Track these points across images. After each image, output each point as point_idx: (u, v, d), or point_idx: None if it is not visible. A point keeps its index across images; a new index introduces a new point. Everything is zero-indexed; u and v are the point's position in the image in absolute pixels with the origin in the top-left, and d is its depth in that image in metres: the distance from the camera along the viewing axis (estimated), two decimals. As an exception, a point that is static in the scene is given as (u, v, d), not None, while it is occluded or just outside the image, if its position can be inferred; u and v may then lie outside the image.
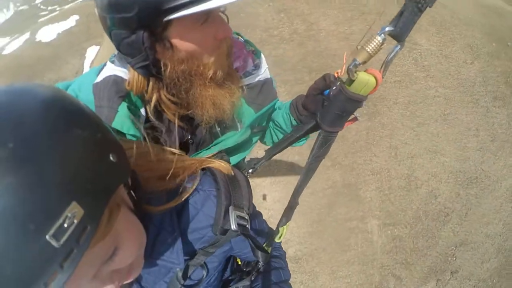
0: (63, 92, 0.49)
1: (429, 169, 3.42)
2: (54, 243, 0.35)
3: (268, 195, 3.31)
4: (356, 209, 3.30)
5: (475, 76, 3.85)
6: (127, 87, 0.96)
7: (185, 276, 0.80)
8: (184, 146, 1.05)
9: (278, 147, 1.01)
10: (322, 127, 0.79)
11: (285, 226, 1.01)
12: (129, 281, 0.62)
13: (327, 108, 0.78)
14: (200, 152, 1.12)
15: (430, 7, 0.58)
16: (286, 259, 1.17)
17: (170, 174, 0.75)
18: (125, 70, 0.98)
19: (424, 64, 3.90)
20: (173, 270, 0.83)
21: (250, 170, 1.10)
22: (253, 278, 1.03)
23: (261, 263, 1.01)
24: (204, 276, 0.85)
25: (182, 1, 0.73)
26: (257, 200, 3.39)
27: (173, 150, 0.83)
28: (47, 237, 0.34)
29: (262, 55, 1.19)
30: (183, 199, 0.76)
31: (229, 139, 1.10)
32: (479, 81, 3.83)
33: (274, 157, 1.13)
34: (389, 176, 3.37)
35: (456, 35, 4.19)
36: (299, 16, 4.63)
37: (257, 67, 1.12)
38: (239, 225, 0.79)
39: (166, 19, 0.75)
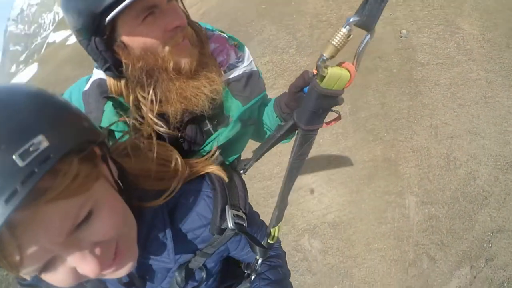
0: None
1: (469, 150, 3.28)
2: (19, 162, 0.40)
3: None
4: (394, 184, 3.23)
5: None
6: (109, 91, 1.00)
7: (187, 277, 0.79)
8: (176, 146, 0.99)
9: (263, 147, 0.99)
10: (299, 125, 0.78)
11: (276, 227, 1.00)
12: (120, 270, 0.61)
13: (303, 106, 0.76)
14: (193, 152, 1.08)
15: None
16: (286, 258, 1.12)
17: (161, 175, 0.77)
18: None
19: (466, 48, 3.81)
20: (170, 274, 0.82)
21: (241, 171, 1.07)
22: (252, 278, 1.01)
23: (259, 262, 0.98)
24: (204, 278, 0.84)
25: (110, 1, 0.76)
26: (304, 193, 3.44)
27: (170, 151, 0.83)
28: (13, 156, 0.40)
29: (246, 48, 1.17)
30: (171, 196, 0.75)
31: (221, 136, 1.07)
32: None
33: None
34: (428, 155, 3.30)
35: (500, 20, 4.04)
36: (346, 2, 4.61)
37: (240, 59, 1.10)
38: (236, 223, 0.79)
39: (106, 21, 0.79)
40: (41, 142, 0.43)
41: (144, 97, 0.96)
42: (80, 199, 0.49)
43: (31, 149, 0.42)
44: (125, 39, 0.86)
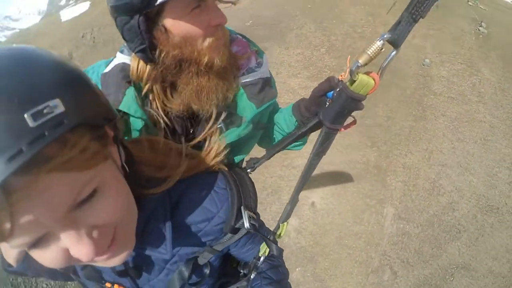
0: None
1: (455, 182, 3.26)
2: (30, 122, 0.37)
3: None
4: (379, 191, 3.21)
5: None
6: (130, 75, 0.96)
7: (193, 272, 0.76)
8: (189, 141, 1.00)
9: (279, 146, 1.01)
10: (325, 123, 0.80)
11: (285, 223, 0.99)
12: (114, 258, 0.56)
13: (330, 106, 0.79)
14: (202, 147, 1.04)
15: (423, 17, 0.61)
16: (283, 256, 1.09)
17: (165, 164, 0.74)
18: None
19: (480, 91, 3.81)
20: (168, 266, 0.77)
21: (249, 170, 1.07)
22: (252, 277, 0.96)
23: (261, 259, 0.95)
24: (207, 274, 0.80)
25: None
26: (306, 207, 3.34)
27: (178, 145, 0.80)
28: (25, 115, 0.37)
29: (265, 55, 1.15)
30: (171, 185, 0.71)
31: (231, 134, 1.06)
32: None
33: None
34: (417, 175, 3.28)
35: None
36: (384, 25, 4.68)
37: (259, 65, 1.09)
38: (251, 224, 0.77)
39: (157, 2, 0.76)
40: (57, 106, 0.40)
41: (157, 89, 0.95)
42: (85, 175, 0.45)
43: (45, 111, 0.39)
44: (168, 24, 0.84)
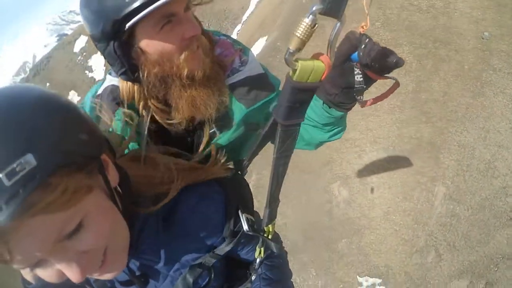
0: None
1: (511, 165, 3.06)
2: (5, 181, 0.40)
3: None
4: (431, 168, 3.04)
5: None
6: (120, 96, 0.96)
7: (198, 278, 0.76)
8: (180, 147, 0.97)
9: (253, 147, 0.94)
10: (278, 121, 0.72)
11: (270, 225, 0.94)
12: (108, 274, 0.59)
13: (279, 101, 0.71)
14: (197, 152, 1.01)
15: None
16: (287, 255, 1.06)
17: (161, 180, 0.73)
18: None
19: None
20: (171, 274, 0.77)
21: (239, 172, 1.04)
22: (253, 278, 0.94)
23: (257, 261, 0.92)
24: (212, 278, 0.79)
25: (132, 7, 0.74)
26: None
27: (172, 158, 0.80)
28: (0, 175, 0.40)
29: (251, 53, 1.08)
30: (167, 201, 0.70)
31: (222, 138, 1.03)
32: None
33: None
34: (472, 155, 3.08)
35: None
36: None
37: (244, 63, 1.04)
38: (250, 226, 0.77)
39: (126, 27, 0.77)
40: (29, 161, 0.42)
41: (153, 105, 0.94)
42: (67, 213, 0.47)
43: (17, 169, 0.41)
44: (143, 45, 0.84)
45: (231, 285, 0.97)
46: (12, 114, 0.45)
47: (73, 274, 0.51)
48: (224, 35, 1.10)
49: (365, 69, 0.73)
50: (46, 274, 0.52)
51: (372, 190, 2.96)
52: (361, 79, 0.74)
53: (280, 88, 0.99)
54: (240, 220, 0.79)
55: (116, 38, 0.81)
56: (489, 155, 3.05)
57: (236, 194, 0.81)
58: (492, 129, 3.13)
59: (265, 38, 4.62)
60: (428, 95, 3.33)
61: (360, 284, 2.96)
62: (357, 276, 2.96)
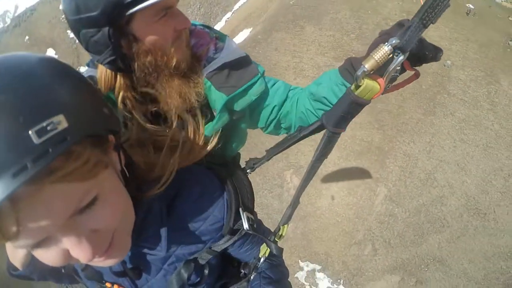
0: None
1: (449, 179, 3.27)
2: (34, 139, 0.37)
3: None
4: (376, 170, 3.26)
5: None
6: (97, 86, 0.91)
7: (196, 270, 0.74)
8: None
9: (280, 147, 0.91)
10: (327, 127, 0.75)
11: (285, 225, 0.95)
12: (110, 259, 0.55)
13: (333, 109, 0.74)
14: None
15: (433, 23, 0.59)
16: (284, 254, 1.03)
17: (159, 164, 0.69)
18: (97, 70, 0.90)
19: (494, 100, 3.75)
20: (165, 267, 0.74)
21: (248, 170, 1.02)
22: (252, 277, 0.92)
23: (261, 260, 0.91)
24: (206, 274, 0.77)
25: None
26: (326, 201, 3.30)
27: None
28: (30, 132, 0.37)
29: (228, 38, 1.04)
30: (167, 183, 0.67)
31: (206, 129, 0.97)
32: None
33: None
34: (415, 164, 3.32)
35: None
36: None
37: (219, 50, 1.00)
38: (250, 225, 0.75)
39: (128, 13, 0.75)
40: (61, 122, 0.40)
41: (132, 96, 0.91)
42: (86, 185, 0.45)
43: (49, 127, 0.39)
44: (138, 33, 0.82)
45: (224, 284, 0.94)
46: (40, 73, 0.43)
47: (82, 252, 0.48)
48: (201, 24, 1.07)
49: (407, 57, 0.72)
50: (48, 254, 0.49)
51: (321, 181, 3.15)
52: (399, 67, 0.74)
53: (261, 72, 1.05)
54: (241, 218, 0.77)
55: (112, 24, 0.78)
56: (431, 167, 3.25)
57: (237, 192, 0.79)
58: (437, 145, 3.36)
59: (249, 29, 4.93)
60: (384, 106, 3.54)
61: (301, 268, 3.13)
62: (299, 261, 3.15)
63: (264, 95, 1.05)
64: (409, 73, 0.80)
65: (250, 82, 1.01)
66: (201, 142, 0.80)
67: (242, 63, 1.03)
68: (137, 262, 0.74)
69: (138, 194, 0.65)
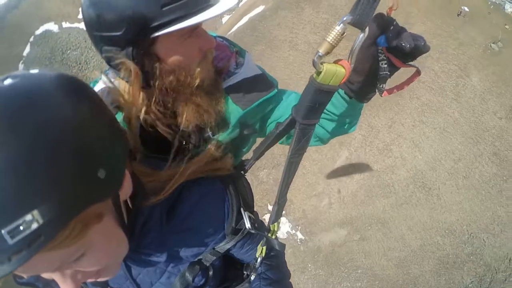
0: None
1: (403, 152, 3.70)
2: (8, 239, 0.36)
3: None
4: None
5: (493, 128, 3.99)
6: (118, 100, 0.85)
7: (197, 275, 0.74)
8: (181, 151, 0.94)
9: (262, 145, 0.91)
10: (297, 119, 0.74)
11: (275, 223, 0.95)
12: (101, 279, 0.57)
13: (300, 101, 0.72)
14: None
15: None
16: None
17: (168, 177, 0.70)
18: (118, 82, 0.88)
19: (461, 92, 4.11)
20: (169, 269, 0.75)
21: (241, 172, 1.02)
22: (252, 278, 0.92)
23: (258, 261, 0.91)
24: (211, 275, 0.78)
25: (167, 19, 0.72)
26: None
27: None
28: (2, 231, 0.35)
29: (247, 54, 1.04)
30: (168, 194, 0.67)
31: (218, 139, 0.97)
32: (493, 135, 3.96)
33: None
34: (376, 135, 3.76)
35: (508, 94, 4.29)
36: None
37: (239, 65, 1.01)
38: (252, 224, 0.77)
39: (153, 36, 0.73)
40: (33, 221, 0.37)
41: (157, 109, 0.89)
42: (73, 247, 0.45)
43: (21, 227, 0.36)
44: (162, 54, 0.81)
45: (227, 286, 0.95)
46: (20, 164, 0.37)
47: (66, 287, 0.50)
48: (220, 37, 1.05)
49: (392, 53, 0.68)
50: (45, 276, 0.51)
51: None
52: (386, 65, 0.70)
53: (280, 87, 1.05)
54: (242, 218, 0.77)
55: (136, 44, 0.76)
56: (389, 140, 3.72)
57: (238, 192, 0.79)
58: (398, 122, 3.78)
59: (263, 7, 5.42)
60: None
61: (269, 211, 3.47)
62: (268, 204, 3.56)
63: (276, 106, 1.07)
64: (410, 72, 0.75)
65: (266, 96, 1.02)
66: (219, 155, 0.80)
67: (258, 80, 1.03)
68: (142, 266, 0.73)
69: (141, 203, 0.63)
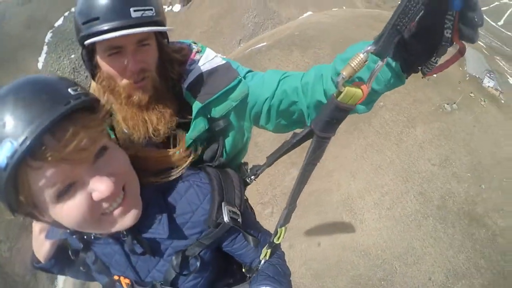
0: None
1: (341, 180, 4.37)
2: (72, 92, 0.60)
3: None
4: (297, 155, 4.12)
5: (424, 172, 4.52)
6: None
7: (182, 263, 0.81)
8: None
9: (277, 153, 0.94)
10: (315, 132, 0.78)
11: (283, 228, 0.97)
12: (126, 215, 0.68)
13: (320, 115, 0.76)
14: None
15: (407, 28, 0.59)
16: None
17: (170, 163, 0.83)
18: None
19: (403, 139, 4.75)
20: (167, 258, 0.82)
21: (253, 177, 1.06)
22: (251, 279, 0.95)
23: (262, 262, 0.96)
24: (198, 266, 0.84)
25: (90, 32, 0.86)
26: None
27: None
28: (69, 89, 0.59)
29: (208, 49, 1.11)
30: (169, 179, 0.80)
31: (186, 138, 1.02)
32: (423, 177, 4.46)
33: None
34: (322, 163, 4.45)
35: (447, 147, 4.75)
36: None
37: (195, 62, 1.07)
38: (231, 218, 0.81)
39: (86, 43, 0.87)
40: (80, 92, 0.61)
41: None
42: (99, 135, 0.62)
43: (78, 90, 0.60)
44: (98, 60, 0.95)
45: (230, 283, 1.00)
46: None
47: (104, 185, 0.60)
48: (193, 42, 1.14)
49: (463, 21, 0.59)
50: (75, 201, 0.60)
51: (256, 144, 4.32)
52: (450, 35, 0.62)
53: (243, 75, 1.09)
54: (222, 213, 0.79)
55: (83, 48, 0.93)
56: (332, 167, 4.41)
57: (222, 187, 0.84)
58: (342, 155, 4.54)
59: (264, 43, 6.20)
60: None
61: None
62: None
63: (248, 95, 1.06)
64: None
65: (227, 86, 1.03)
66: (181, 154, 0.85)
67: (220, 70, 1.05)
68: (145, 249, 0.79)
69: (143, 179, 0.76)
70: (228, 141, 1.12)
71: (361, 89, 0.68)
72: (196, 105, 1.02)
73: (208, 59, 1.07)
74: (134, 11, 0.86)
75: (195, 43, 1.13)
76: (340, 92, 0.68)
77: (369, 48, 0.61)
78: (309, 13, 9.09)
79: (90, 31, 0.86)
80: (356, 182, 4.34)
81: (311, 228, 3.93)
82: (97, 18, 0.85)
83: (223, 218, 0.81)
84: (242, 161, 1.26)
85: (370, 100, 0.89)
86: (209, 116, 1.05)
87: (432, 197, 4.37)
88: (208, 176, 0.85)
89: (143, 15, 0.87)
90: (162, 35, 1.00)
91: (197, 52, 1.08)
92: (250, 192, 4.11)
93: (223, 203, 0.82)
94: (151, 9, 0.88)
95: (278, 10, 10.32)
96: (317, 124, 0.77)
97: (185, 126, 1.02)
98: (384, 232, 4.07)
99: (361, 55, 0.62)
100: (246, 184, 1.03)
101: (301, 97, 0.98)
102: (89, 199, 0.61)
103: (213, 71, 1.05)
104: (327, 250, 3.84)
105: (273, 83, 1.04)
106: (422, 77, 0.76)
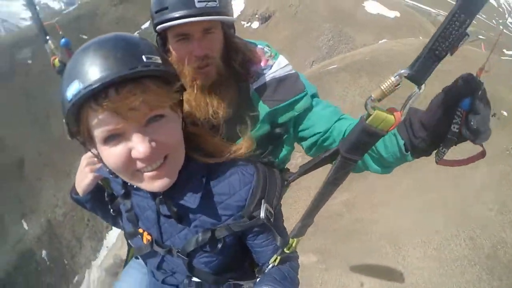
0: None
1: (390, 213, 4.26)
2: (144, 58, 0.64)
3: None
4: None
5: (480, 218, 4.32)
6: None
7: (208, 241, 0.85)
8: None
9: (308, 164, 0.93)
10: (340, 151, 0.76)
11: (295, 240, 0.97)
12: (159, 180, 0.73)
13: (348, 135, 0.75)
14: None
15: (451, 54, 0.54)
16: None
17: (217, 145, 0.88)
18: None
19: (460, 182, 4.60)
20: (192, 229, 0.86)
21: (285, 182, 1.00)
22: (258, 280, 0.97)
23: (270, 266, 0.97)
24: (218, 248, 0.87)
25: (157, 21, 0.99)
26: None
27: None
28: (143, 56, 0.63)
29: (281, 56, 1.16)
30: (219, 160, 0.85)
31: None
32: (477, 223, 4.28)
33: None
34: (373, 192, 4.48)
35: (504, 189, 4.56)
36: None
37: (268, 67, 1.13)
38: (266, 216, 0.83)
39: (157, 28, 1.00)
40: (158, 59, 0.66)
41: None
42: (163, 102, 0.66)
43: (152, 58, 0.64)
44: (170, 46, 1.05)
45: (235, 278, 1.01)
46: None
47: (142, 148, 0.63)
48: (262, 43, 1.20)
49: (471, 120, 0.61)
50: (116, 149, 0.65)
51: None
52: (457, 130, 0.65)
53: (310, 93, 1.14)
54: (260, 208, 0.82)
55: (157, 34, 1.03)
56: (379, 201, 4.38)
57: (266, 184, 0.85)
58: (398, 191, 4.48)
59: (335, 66, 6.33)
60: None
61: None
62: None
63: (308, 113, 1.13)
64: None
65: (296, 97, 1.09)
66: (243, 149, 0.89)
67: (288, 79, 1.11)
68: (171, 213, 0.83)
69: (192, 156, 0.81)
70: (280, 146, 1.19)
71: (394, 115, 0.66)
72: (264, 109, 1.09)
73: (280, 66, 1.14)
74: (198, 1, 0.95)
75: (269, 46, 1.20)
76: (369, 115, 0.67)
77: (403, 71, 0.60)
78: (384, 40, 9.14)
79: (160, 19, 0.98)
80: (406, 218, 4.25)
81: (350, 256, 3.89)
82: (166, 8, 0.97)
83: (259, 213, 0.84)
84: (285, 167, 1.29)
85: (385, 164, 0.93)
86: (272, 121, 1.11)
87: (483, 245, 4.11)
88: (256, 170, 0.87)
89: (207, 5, 0.96)
90: (228, 26, 1.07)
91: (270, 57, 1.15)
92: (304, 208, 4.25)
93: (263, 200, 0.85)
94: (215, 1, 0.97)
95: (354, 36, 10.33)
96: (344, 144, 0.76)
97: (241, 120, 1.03)
98: (426, 273, 3.90)
99: (393, 78, 0.61)
100: None
101: None
102: (127, 153, 0.66)
103: (283, 79, 1.12)
104: (364, 281, 3.67)
105: (329, 122, 1.10)
106: (437, 163, 0.72)
